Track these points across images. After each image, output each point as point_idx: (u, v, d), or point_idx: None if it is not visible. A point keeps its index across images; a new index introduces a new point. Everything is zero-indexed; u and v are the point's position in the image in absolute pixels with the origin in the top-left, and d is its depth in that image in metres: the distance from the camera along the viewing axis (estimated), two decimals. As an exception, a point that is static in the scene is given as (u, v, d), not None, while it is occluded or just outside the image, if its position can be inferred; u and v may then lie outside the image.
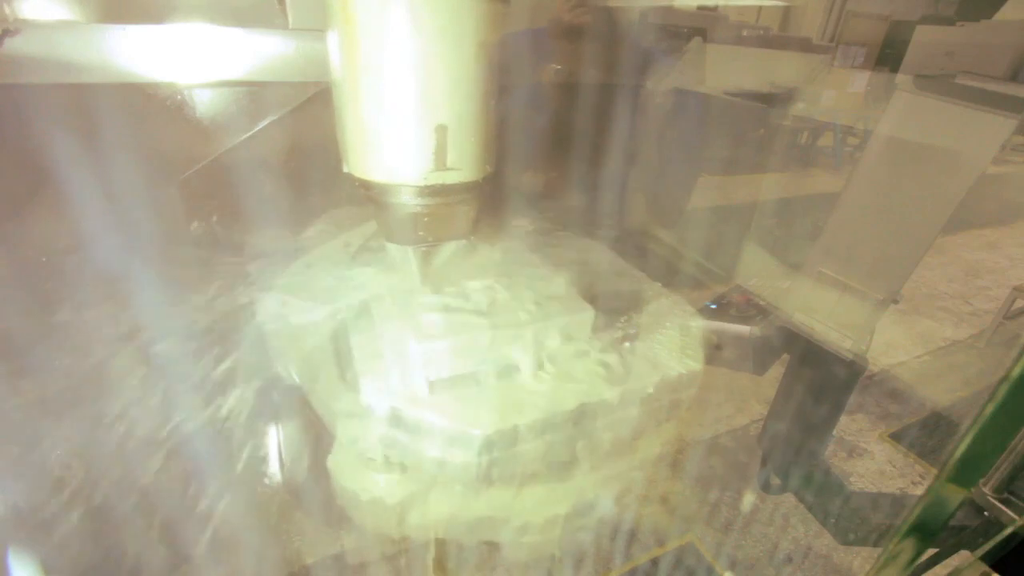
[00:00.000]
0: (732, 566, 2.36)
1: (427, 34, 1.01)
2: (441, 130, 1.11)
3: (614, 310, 1.59)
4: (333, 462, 1.41)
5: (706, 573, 2.32)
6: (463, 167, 1.19)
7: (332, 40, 1.10)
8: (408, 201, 1.21)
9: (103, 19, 1.31)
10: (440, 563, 1.66)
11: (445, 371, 1.33)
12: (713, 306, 2.04)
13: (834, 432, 2.68)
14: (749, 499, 2.67)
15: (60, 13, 1.37)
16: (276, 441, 1.82)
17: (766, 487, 2.71)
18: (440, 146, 1.12)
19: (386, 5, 0.99)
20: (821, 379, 2.22)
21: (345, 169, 1.24)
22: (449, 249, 1.46)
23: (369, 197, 1.26)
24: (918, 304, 4.78)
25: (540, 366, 1.40)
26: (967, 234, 6.61)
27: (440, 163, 1.14)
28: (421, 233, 1.31)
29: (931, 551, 2.01)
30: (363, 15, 1.01)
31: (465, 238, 1.44)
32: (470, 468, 1.28)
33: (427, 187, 1.18)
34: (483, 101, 1.16)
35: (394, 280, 1.50)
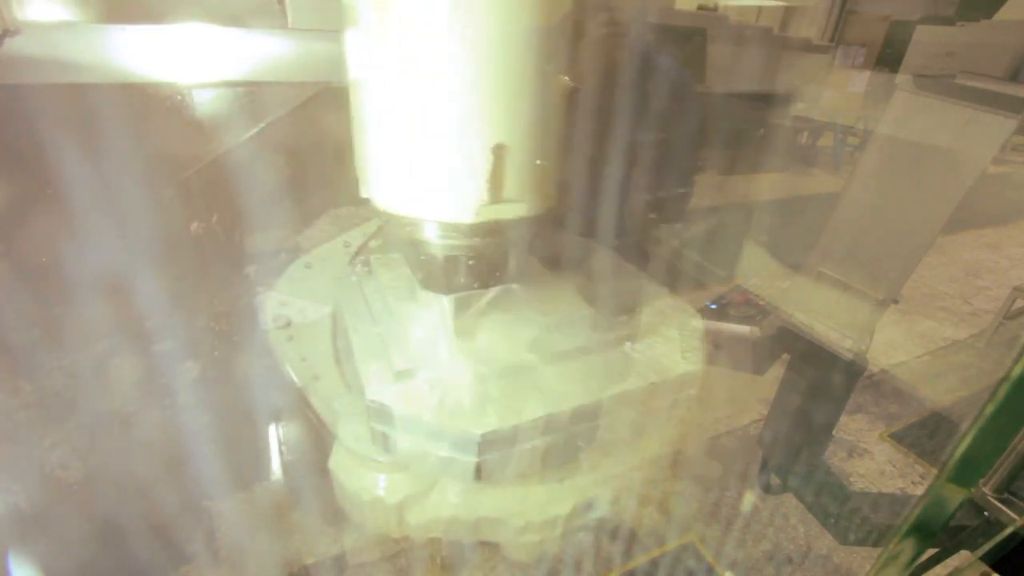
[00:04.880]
0: (732, 566, 2.36)
1: (482, 20, 0.72)
2: (500, 152, 0.80)
3: (614, 310, 1.59)
4: (334, 462, 1.40)
5: (706, 573, 2.32)
6: (525, 198, 0.89)
7: (353, 36, 0.84)
8: (451, 242, 0.92)
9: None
10: (440, 563, 1.66)
11: (446, 370, 1.33)
12: (713, 306, 2.04)
13: (834, 432, 2.68)
14: (749, 499, 2.67)
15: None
16: (276, 441, 1.82)
17: (766, 487, 2.71)
18: (497, 172, 0.82)
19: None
20: (821, 379, 2.22)
21: (364, 194, 0.98)
22: (492, 293, 1.20)
23: (398, 235, 0.99)
24: (918, 304, 4.78)
25: (540, 366, 1.40)
26: (967, 234, 6.61)
27: (496, 194, 0.85)
28: (463, 280, 1.03)
29: (931, 551, 2.00)
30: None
31: (514, 282, 1.16)
32: (470, 467, 1.28)
33: (477, 225, 0.88)
34: (553, 108, 0.87)
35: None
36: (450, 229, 0.89)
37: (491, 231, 0.90)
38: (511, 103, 0.79)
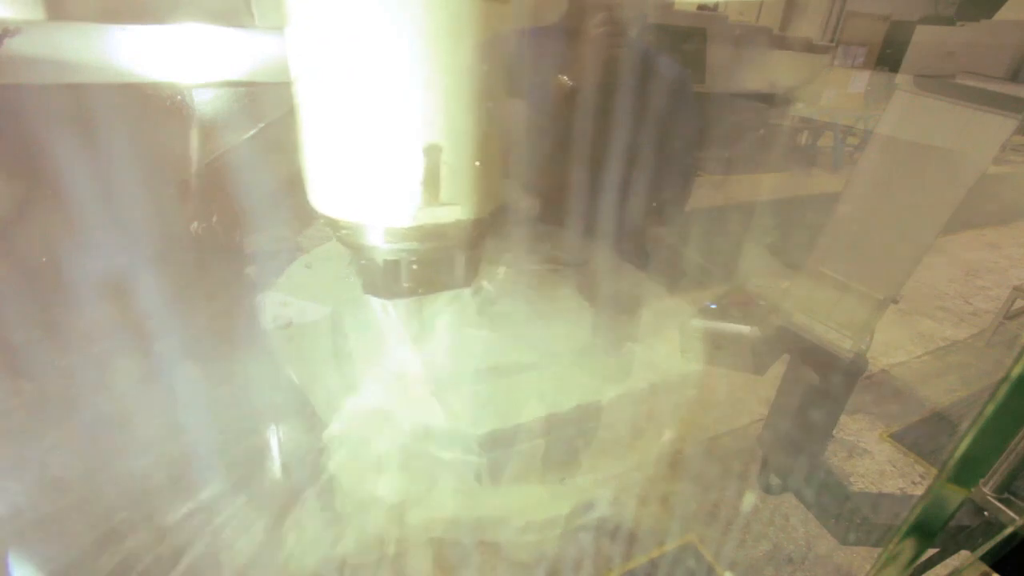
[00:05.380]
0: (732, 566, 2.36)
1: (413, 24, 0.74)
2: (433, 152, 0.81)
3: (614, 310, 1.59)
4: (333, 462, 1.40)
5: (706, 573, 2.32)
6: (462, 201, 0.89)
7: (291, 40, 0.85)
8: (391, 246, 0.92)
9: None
10: (440, 563, 1.66)
11: (445, 370, 1.33)
12: (713, 306, 2.04)
13: (834, 432, 2.68)
14: (749, 499, 2.67)
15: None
16: (275, 441, 1.81)
17: (766, 487, 2.71)
18: (431, 173, 0.83)
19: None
20: (821, 379, 2.23)
21: (311, 201, 0.97)
22: (444, 298, 1.21)
23: (340, 239, 0.97)
24: (918, 304, 4.77)
25: (540, 366, 1.40)
26: (967, 234, 6.61)
27: (432, 197, 0.86)
28: (407, 285, 1.02)
29: (931, 551, 2.01)
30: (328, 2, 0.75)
31: (464, 287, 1.14)
32: (470, 467, 1.28)
33: (413, 228, 0.89)
34: (488, 113, 0.87)
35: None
36: (387, 233, 0.89)
37: (431, 235, 0.90)
38: (443, 102, 0.79)
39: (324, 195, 0.90)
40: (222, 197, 1.78)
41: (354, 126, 0.80)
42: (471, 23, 0.77)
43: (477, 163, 0.87)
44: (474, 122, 0.84)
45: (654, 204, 1.84)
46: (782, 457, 2.63)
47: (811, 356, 2.16)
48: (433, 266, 1.00)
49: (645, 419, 1.50)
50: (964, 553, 2.00)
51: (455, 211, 0.89)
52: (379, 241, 0.91)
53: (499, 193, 0.99)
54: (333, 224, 0.93)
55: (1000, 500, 2.33)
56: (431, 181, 0.83)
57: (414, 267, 0.97)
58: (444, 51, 0.76)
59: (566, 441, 1.38)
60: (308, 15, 0.78)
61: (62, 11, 1.21)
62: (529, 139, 1.61)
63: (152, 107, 1.51)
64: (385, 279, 0.98)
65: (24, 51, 1.14)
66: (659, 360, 1.51)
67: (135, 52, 1.24)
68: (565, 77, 1.61)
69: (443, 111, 0.80)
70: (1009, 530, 1.72)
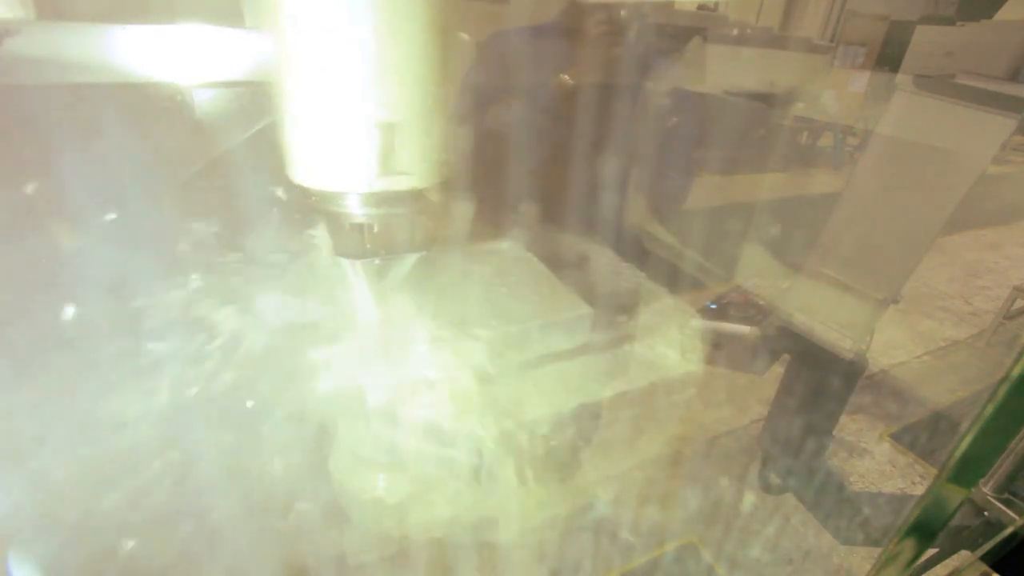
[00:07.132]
0: (732, 566, 2.36)
1: (366, 10, 0.85)
2: (387, 128, 0.95)
3: (613, 310, 1.59)
4: (334, 462, 1.41)
5: (706, 573, 2.32)
6: (416, 171, 1.03)
7: (269, 35, 0.97)
8: (352, 211, 1.06)
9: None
10: (440, 563, 1.66)
11: (444, 370, 1.33)
12: (713, 306, 2.04)
13: (834, 432, 2.68)
14: (749, 499, 2.67)
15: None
16: (275, 441, 1.81)
17: (766, 487, 2.71)
18: (386, 147, 0.96)
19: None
20: (821, 379, 2.23)
21: (288, 174, 1.10)
22: (408, 263, 1.35)
23: (312, 206, 1.12)
24: (918, 304, 4.78)
25: (540, 366, 1.40)
26: (967, 234, 6.61)
27: (387, 167, 0.99)
28: (369, 246, 1.16)
29: (931, 551, 2.01)
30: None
31: (423, 251, 1.30)
32: (469, 467, 1.28)
33: (373, 195, 1.03)
34: (440, 92, 1.00)
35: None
36: (350, 199, 1.03)
37: (389, 201, 1.04)
38: (396, 84, 0.91)
39: (298, 168, 1.03)
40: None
41: (320, 108, 0.93)
42: (426, 8, 0.89)
43: (427, 139, 1.01)
44: (425, 104, 0.98)
45: (652, 197, 1.85)
46: (781, 457, 2.63)
47: (811, 356, 2.16)
48: (393, 230, 1.14)
49: (644, 419, 1.50)
50: (964, 553, 2.00)
51: (409, 180, 1.03)
52: (343, 207, 1.05)
53: (447, 167, 1.12)
54: (306, 193, 1.04)
55: (1000, 500, 2.33)
56: (385, 153, 0.96)
57: (376, 231, 1.10)
58: (395, 44, 0.89)
59: (566, 440, 1.38)
60: (275, 13, 0.88)
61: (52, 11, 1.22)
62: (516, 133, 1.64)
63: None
64: (352, 241, 1.12)
65: (24, 51, 1.15)
66: (658, 358, 1.52)
67: (135, 52, 1.24)
68: (565, 76, 1.62)
69: (396, 93, 0.93)
70: (1009, 530, 1.72)
